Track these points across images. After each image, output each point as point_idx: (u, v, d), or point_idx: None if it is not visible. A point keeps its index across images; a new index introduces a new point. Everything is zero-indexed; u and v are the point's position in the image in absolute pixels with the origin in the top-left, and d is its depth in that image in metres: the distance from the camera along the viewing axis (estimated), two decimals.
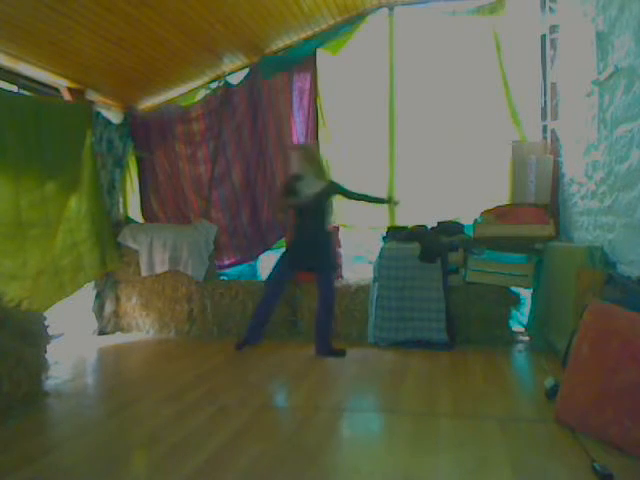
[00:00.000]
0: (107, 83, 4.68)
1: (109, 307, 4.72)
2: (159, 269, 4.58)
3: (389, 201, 4.22)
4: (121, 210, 4.97)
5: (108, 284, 4.71)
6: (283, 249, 4.08)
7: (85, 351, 4.15)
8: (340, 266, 4.64)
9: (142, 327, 4.76)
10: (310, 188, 3.70)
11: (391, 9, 4.70)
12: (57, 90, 4.44)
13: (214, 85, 5.12)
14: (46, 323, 3.05)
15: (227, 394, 2.94)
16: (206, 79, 5.13)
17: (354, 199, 3.89)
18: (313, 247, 3.71)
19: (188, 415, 2.60)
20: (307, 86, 4.82)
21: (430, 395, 2.83)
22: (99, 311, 4.66)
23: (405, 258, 3.94)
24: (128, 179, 5.16)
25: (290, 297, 4.37)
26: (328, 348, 3.72)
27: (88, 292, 4.61)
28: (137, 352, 4.20)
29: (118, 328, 4.78)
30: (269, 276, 3.90)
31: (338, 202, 4.78)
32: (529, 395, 2.87)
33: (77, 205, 4.25)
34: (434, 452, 2.13)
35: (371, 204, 4.10)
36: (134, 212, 5.21)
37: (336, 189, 3.79)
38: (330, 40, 4.77)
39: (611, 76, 2.92)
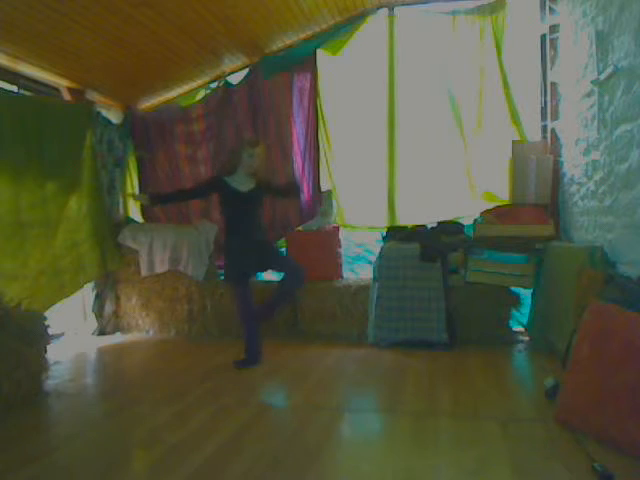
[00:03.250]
0: (107, 83, 4.69)
1: (109, 307, 4.72)
2: (159, 269, 4.58)
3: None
4: (121, 210, 4.97)
5: (108, 284, 4.71)
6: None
7: (85, 351, 4.15)
8: (340, 266, 4.65)
9: (142, 327, 4.76)
10: (242, 185, 3.51)
11: (391, 9, 4.70)
12: (57, 90, 4.44)
13: (214, 85, 5.12)
14: (46, 323, 3.06)
15: (227, 394, 2.94)
16: (206, 79, 5.13)
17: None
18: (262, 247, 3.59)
19: (188, 415, 2.60)
20: (307, 86, 4.82)
21: (430, 395, 2.83)
22: (99, 311, 4.66)
23: (405, 258, 3.94)
24: (128, 179, 5.16)
25: None
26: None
27: (88, 292, 4.62)
28: (137, 352, 4.20)
29: (118, 328, 4.79)
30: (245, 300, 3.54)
31: (338, 202, 4.87)
32: (529, 395, 2.86)
33: (77, 205, 4.25)
34: (434, 452, 2.13)
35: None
36: (134, 212, 5.21)
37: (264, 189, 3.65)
38: (330, 40, 4.77)
39: (611, 76, 2.92)
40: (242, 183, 3.51)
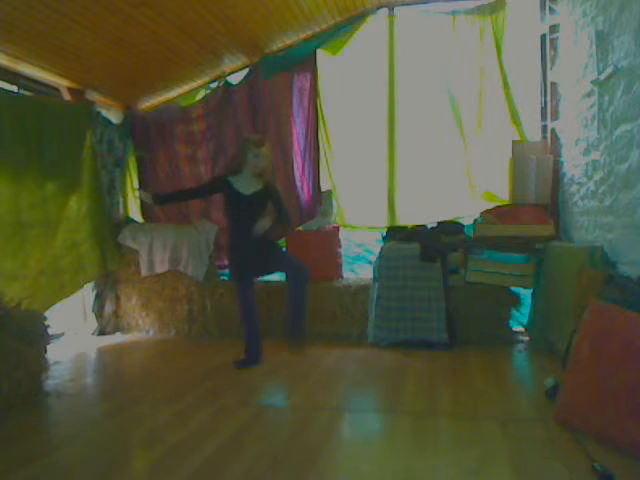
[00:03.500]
0: (107, 83, 4.69)
1: (109, 307, 4.72)
2: (159, 269, 4.58)
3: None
4: (121, 210, 4.97)
5: (108, 284, 4.71)
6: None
7: (85, 351, 4.15)
8: (340, 266, 4.65)
9: (142, 327, 4.76)
10: (246, 187, 3.45)
11: (391, 9, 4.70)
12: (57, 90, 4.44)
13: (214, 85, 5.12)
14: (46, 323, 3.06)
15: (227, 394, 2.94)
16: (206, 79, 5.13)
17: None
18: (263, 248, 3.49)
19: (188, 415, 2.60)
20: (307, 86, 4.82)
21: (430, 395, 2.83)
22: (99, 311, 4.66)
23: (405, 258, 3.94)
24: (128, 179, 5.16)
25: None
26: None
27: (88, 292, 4.62)
28: (137, 352, 4.20)
29: (118, 328, 4.79)
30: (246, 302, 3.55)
31: (338, 202, 4.87)
32: (529, 395, 2.86)
33: (77, 205, 4.25)
34: (434, 452, 2.13)
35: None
36: (134, 212, 5.21)
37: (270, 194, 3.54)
38: (330, 40, 4.77)
39: (611, 76, 2.92)
40: (247, 184, 3.46)
